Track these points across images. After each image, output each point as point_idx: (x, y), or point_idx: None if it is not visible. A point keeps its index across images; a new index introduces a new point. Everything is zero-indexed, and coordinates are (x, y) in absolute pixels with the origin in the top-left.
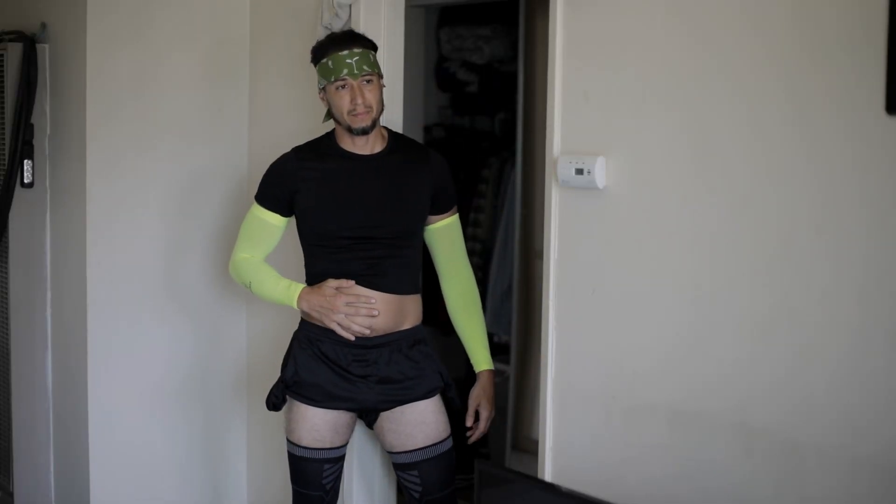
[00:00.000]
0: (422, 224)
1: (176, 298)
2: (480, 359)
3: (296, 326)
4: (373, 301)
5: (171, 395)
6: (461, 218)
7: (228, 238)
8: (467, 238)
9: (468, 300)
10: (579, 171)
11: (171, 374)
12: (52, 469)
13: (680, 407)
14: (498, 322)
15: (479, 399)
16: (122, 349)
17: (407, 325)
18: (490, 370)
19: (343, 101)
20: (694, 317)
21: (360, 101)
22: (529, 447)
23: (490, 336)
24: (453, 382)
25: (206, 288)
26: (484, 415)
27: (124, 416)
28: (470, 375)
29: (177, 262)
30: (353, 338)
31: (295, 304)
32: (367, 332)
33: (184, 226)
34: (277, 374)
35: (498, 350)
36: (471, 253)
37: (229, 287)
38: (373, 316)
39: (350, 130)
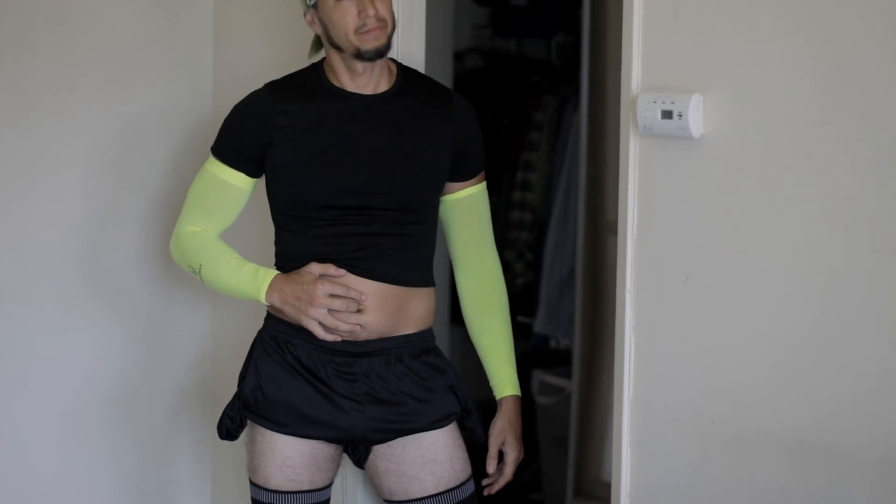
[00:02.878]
0: (437, 192)
1: (108, 289)
2: (504, 380)
3: None
4: (364, 298)
5: (100, 420)
6: (506, 178)
7: (180, 205)
8: (514, 205)
9: (490, 299)
10: (667, 115)
11: (101, 391)
12: None
13: (804, 435)
14: (554, 321)
15: (504, 435)
16: (32, 357)
17: (411, 329)
18: (516, 396)
19: (348, 16)
20: (823, 313)
21: (371, 12)
22: (598, 492)
23: (544, 340)
24: (476, 408)
25: (151, 275)
26: (511, 457)
27: (33, 447)
28: None
29: (110, 239)
30: (338, 338)
31: (263, 297)
32: (359, 329)
33: (120, 190)
34: None
35: (555, 359)
36: (518, 226)
37: (183, 273)
38: (359, 311)
39: (359, 56)
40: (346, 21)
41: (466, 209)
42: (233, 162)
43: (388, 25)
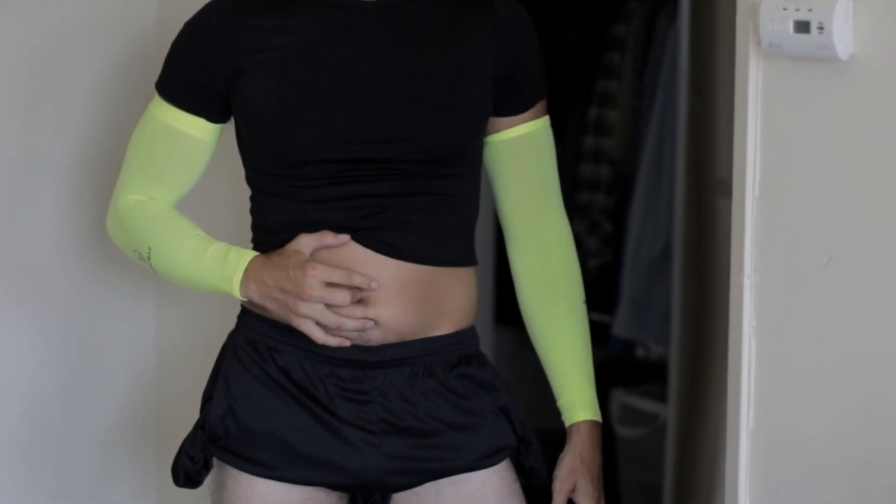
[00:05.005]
0: (479, 133)
1: (15, 279)
2: (576, 399)
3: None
4: (375, 285)
5: (7, 458)
6: (573, 117)
7: (116, 163)
8: (585, 157)
9: (556, 283)
10: (802, 27)
11: (9, 419)
12: None
13: None
14: (642, 320)
15: (574, 477)
16: None
17: (445, 328)
18: (594, 422)
19: None
20: None
21: None
22: None
23: (628, 347)
24: (538, 439)
25: (76, 259)
26: None
27: None
28: None
29: (18, 208)
30: (346, 343)
31: (236, 291)
32: (371, 325)
33: (32, 137)
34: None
35: (642, 374)
36: (592, 186)
37: (118, 255)
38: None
39: None
40: None
41: (521, 155)
42: (187, 103)
43: None
